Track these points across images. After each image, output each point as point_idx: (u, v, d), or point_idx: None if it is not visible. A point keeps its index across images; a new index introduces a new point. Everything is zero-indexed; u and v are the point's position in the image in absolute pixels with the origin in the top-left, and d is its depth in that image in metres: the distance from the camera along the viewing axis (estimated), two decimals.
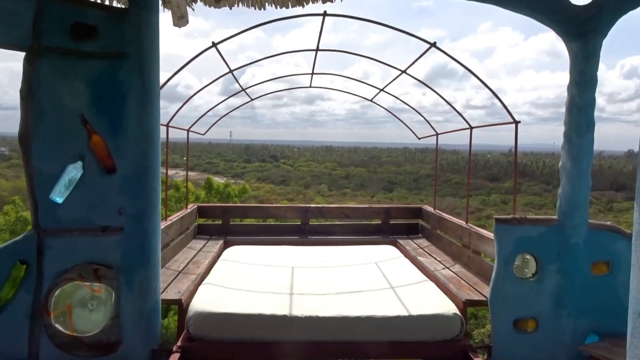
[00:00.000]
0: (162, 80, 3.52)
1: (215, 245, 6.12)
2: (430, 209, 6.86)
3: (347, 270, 4.85)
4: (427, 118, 6.36)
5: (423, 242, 6.44)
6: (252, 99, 6.55)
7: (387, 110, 7.30)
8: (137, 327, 3.26)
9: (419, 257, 5.48)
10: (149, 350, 3.30)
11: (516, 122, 4.60)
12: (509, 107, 4.53)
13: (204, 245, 6.04)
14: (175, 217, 5.92)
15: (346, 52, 5.73)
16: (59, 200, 3.12)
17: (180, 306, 3.89)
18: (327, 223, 7.12)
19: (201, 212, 6.89)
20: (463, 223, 5.50)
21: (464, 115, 5.71)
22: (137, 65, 3.14)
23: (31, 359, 3.12)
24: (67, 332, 3.17)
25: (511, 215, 3.69)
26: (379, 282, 4.43)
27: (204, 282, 4.27)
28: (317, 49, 5.00)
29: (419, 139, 6.94)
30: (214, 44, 4.40)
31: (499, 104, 4.63)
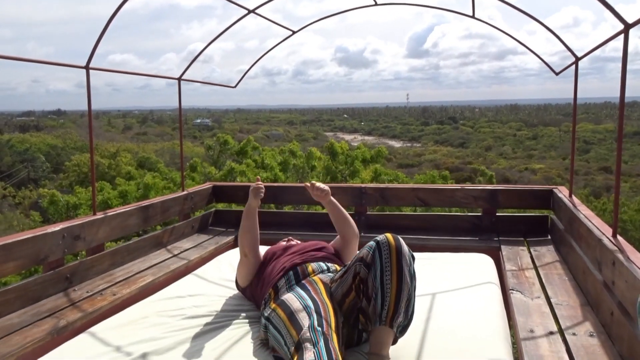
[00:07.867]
0: None
1: (219, 242, 4.21)
2: (564, 193, 3.95)
3: None
4: None
5: (548, 253, 3.59)
6: None
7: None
8: None
9: (515, 293, 2.82)
10: None
11: None
12: None
13: (198, 244, 4.16)
14: (157, 200, 4.16)
15: None
16: None
17: None
18: (394, 213, 4.68)
19: (219, 193, 4.99)
20: (607, 232, 2.68)
21: None
22: None
23: None
24: None
25: None
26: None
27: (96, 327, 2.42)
28: None
29: None
30: None
31: None
